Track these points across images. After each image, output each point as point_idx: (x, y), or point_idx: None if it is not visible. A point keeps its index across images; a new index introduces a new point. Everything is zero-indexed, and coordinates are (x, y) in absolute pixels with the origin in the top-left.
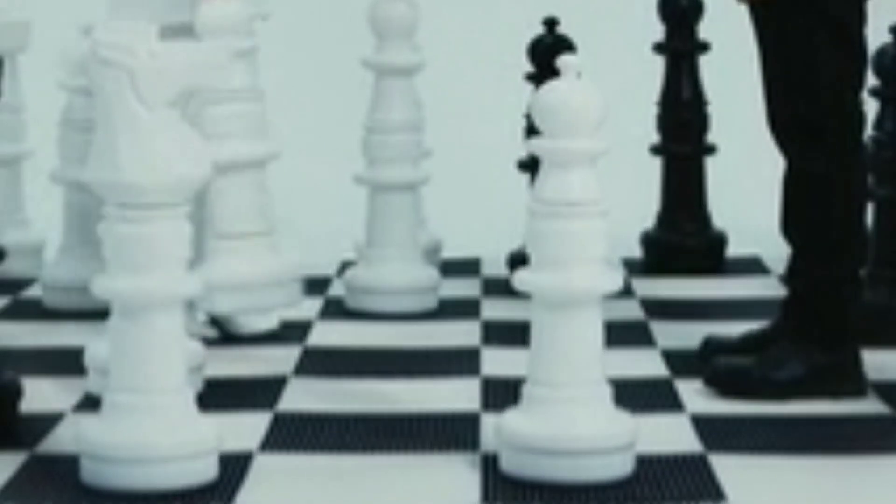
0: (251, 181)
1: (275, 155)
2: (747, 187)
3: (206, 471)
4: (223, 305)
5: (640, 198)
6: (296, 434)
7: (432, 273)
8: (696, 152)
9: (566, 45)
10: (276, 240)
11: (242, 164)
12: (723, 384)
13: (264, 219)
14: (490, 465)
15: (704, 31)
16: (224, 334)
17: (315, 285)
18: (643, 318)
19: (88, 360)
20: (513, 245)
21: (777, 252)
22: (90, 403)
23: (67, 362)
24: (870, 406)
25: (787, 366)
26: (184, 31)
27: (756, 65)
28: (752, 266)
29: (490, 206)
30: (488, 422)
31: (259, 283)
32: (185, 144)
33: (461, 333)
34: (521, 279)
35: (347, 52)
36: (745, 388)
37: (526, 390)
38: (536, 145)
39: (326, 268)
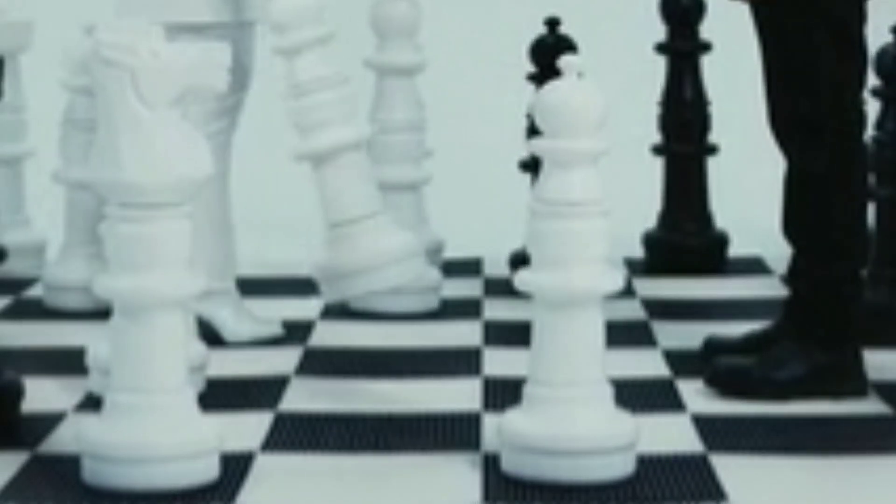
0: (354, 164)
1: (368, 136)
2: (749, 187)
3: (207, 471)
4: (351, 290)
5: (642, 198)
6: (297, 434)
7: (434, 273)
8: (697, 152)
9: (568, 45)
10: (388, 219)
11: (343, 149)
12: (724, 384)
13: (373, 200)
14: (491, 465)
15: (706, 31)
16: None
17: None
18: (644, 317)
19: (90, 359)
20: (514, 245)
21: (779, 252)
22: (92, 403)
23: (69, 362)
24: (871, 406)
25: (788, 366)
26: (189, 30)
27: (758, 65)
28: (754, 266)
29: (492, 207)
30: (489, 422)
31: (381, 265)
32: (187, 144)
33: (462, 333)
34: (521, 279)
35: (349, 52)
36: (746, 388)
37: (527, 390)
38: (537, 145)
39: None
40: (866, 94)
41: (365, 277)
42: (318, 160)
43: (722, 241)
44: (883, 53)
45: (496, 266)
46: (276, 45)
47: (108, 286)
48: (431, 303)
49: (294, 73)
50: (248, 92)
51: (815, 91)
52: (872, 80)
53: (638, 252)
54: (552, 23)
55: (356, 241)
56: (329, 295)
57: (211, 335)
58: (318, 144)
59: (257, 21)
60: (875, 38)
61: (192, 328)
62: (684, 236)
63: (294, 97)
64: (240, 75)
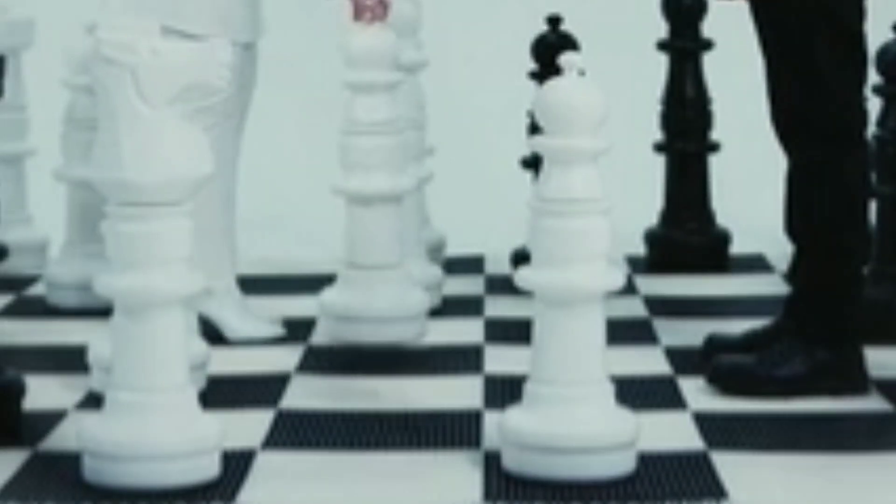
0: (386, 214)
1: (410, 190)
2: (751, 185)
3: (208, 468)
4: (354, 336)
5: (644, 195)
6: (298, 432)
7: (435, 270)
8: (699, 150)
9: (569, 43)
10: (406, 273)
11: (378, 198)
12: (725, 382)
13: (395, 251)
14: (492, 462)
15: (708, 28)
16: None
17: (319, 282)
18: (646, 315)
19: (91, 357)
20: (516, 242)
21: (781, 250)
22: (93, 401)
23: (70, 360)
24: (872, 403)
25: (789, 363)
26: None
27: (759, 63)
28: (756, 264)
29: (493, 204)
30: (491, 419)
31: (389, 318)
32: (188, 143)
33: (464, 331)
34: (522, 277)
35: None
36: (747, 385)
37: (528, 388)
38: (538, 143)
39: (329, 265)
40: (867, 92)
41: (370, 327)
42: (353, 200)
43: (723, 238)
44: (884, 51)
45: (498, 263)
46: (345, 77)
47: (108, 285)
48: (433, 300)
49: (353, 110)
50: (251, 95)
51: (816, 89)
52: (874, 77)
53: (639, 249)
54: (554, 20)
55: (372, 288)
56: (330, 333)
57: (212, 333)
58: (355, 187)
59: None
60: (875, 35)
61: (194, 326)
62: (686, 234)
63: (347, 133)
64: (247, 73)
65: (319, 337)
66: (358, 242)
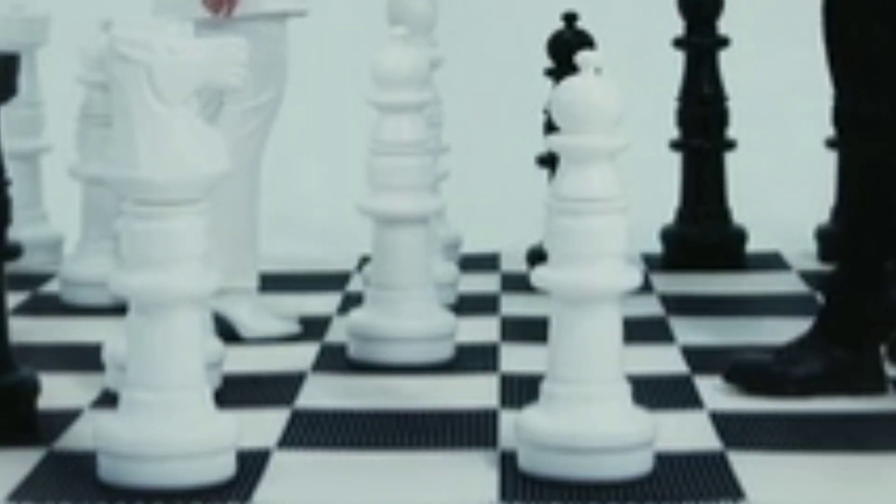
0: (412, 235)
1: (438, 212)
2: (767, 182)
3: (223, 468)
4: (380, 355)
5: (660, 193)
6: (314, 431)
7: (451, 268)
8: (715, 147)
9: (585, 41)
10: (432, 293)
11: (403, 219)
12: (743, 380)
13: (422, 272)
14: (508, 462)
15: (724, 26)
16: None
17: (334, 281)
18: (662, 313)
19: (107, 355)
20: (532, 240)
21: (798, 248)
22: (108, 400)
23: (86, 358)
24: (890, 403)
25: (806, 362)
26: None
27: (775, 60)
28: (773, 262)
29: (509, 202)
30: (507, 419)
31: (414, 338)
32: (202, 141)
33: (480, 329)
34: (539, 276)
35: (366, 47)
36: (763, 384)
37: (545, 387)
38: (554, 142)
39: (345, 263)
40: None
41: (398, 347)
42: (380, 220)
43: (740, 236)
44: None
45: (513, 261)
46: (372, 97)
47: (123, 283)
48: (448, 298)
49: (381, 130)
50: (284, 89)
51: (876, 85)
52: None
53: (656, 247)
54: (570, 18)
55: (400, 308)
56: (358, 353)
57: (228, 332)
58: (381, 207)
59: (293, 14)
60: None
61: (209, 324)
62: (702, 231)
63: (374, 153)
64: (274, 71)
65: (335, 336)
66: (385, 263)
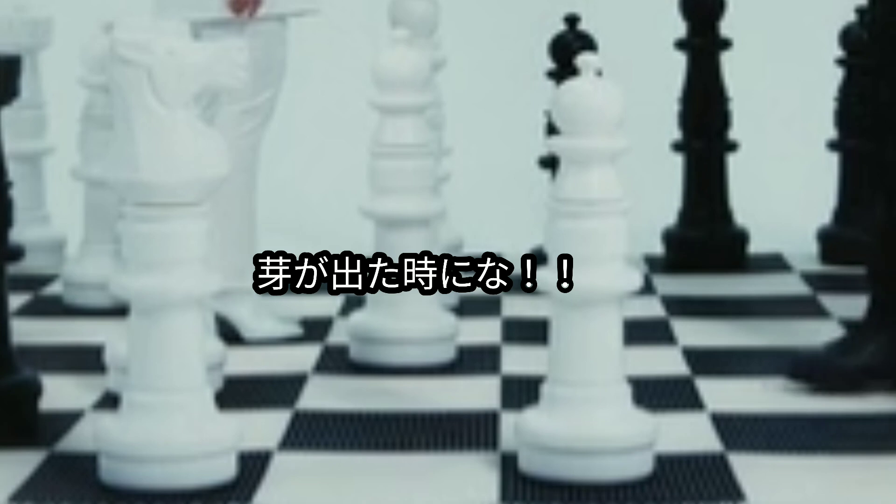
0: (413, 237)
1: (440, 214)
2: (769, 184)
3: (224, 469)
4: (381, 357)
5: (662, 194)
6: (315, 432)
7: None
8: (717, 149)
9: (587, 43)
10: (434, 297)
11: (404, 221)
12: (806, 377)
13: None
14: (509, 464)
15: (726, 27)
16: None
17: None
18: (664, 315)
19: (108, 357)
20: (533, 242)
21: (799, 249)
22: (110, 401)
23: (87, 360)
24: (891, 404)
25: (858, 352)
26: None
27: (777, 61)
28: (774, 263)
29: (510, 203)
30: (508, 420)
31: (416, 340)
32: (204, 143)
33: (481, 331)
34: (540, 278)
35: (368, 49)
36: (826, 376)
37: (545, 389)
38: (555, 144)
39: None
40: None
41: (399, 349)
42: (381, 222)
43: (742, 237)
44: (847, 31)
45: (516, 263)
46: (373, 99)
47: (124, 285)
48: (450, 300)
49: (382, 132)
50: (280, 89)
51: None
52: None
53: (657, 249)
54: (572, 20)
55: (401, 311)
56: (359, 355)
57: (229, 333)
58: (381, 209)
59: (292, 15)
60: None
61: (211, 326)
62: (704, 233)
63: (376, 155)
64: (273, 72)
65: (337, 338)
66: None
